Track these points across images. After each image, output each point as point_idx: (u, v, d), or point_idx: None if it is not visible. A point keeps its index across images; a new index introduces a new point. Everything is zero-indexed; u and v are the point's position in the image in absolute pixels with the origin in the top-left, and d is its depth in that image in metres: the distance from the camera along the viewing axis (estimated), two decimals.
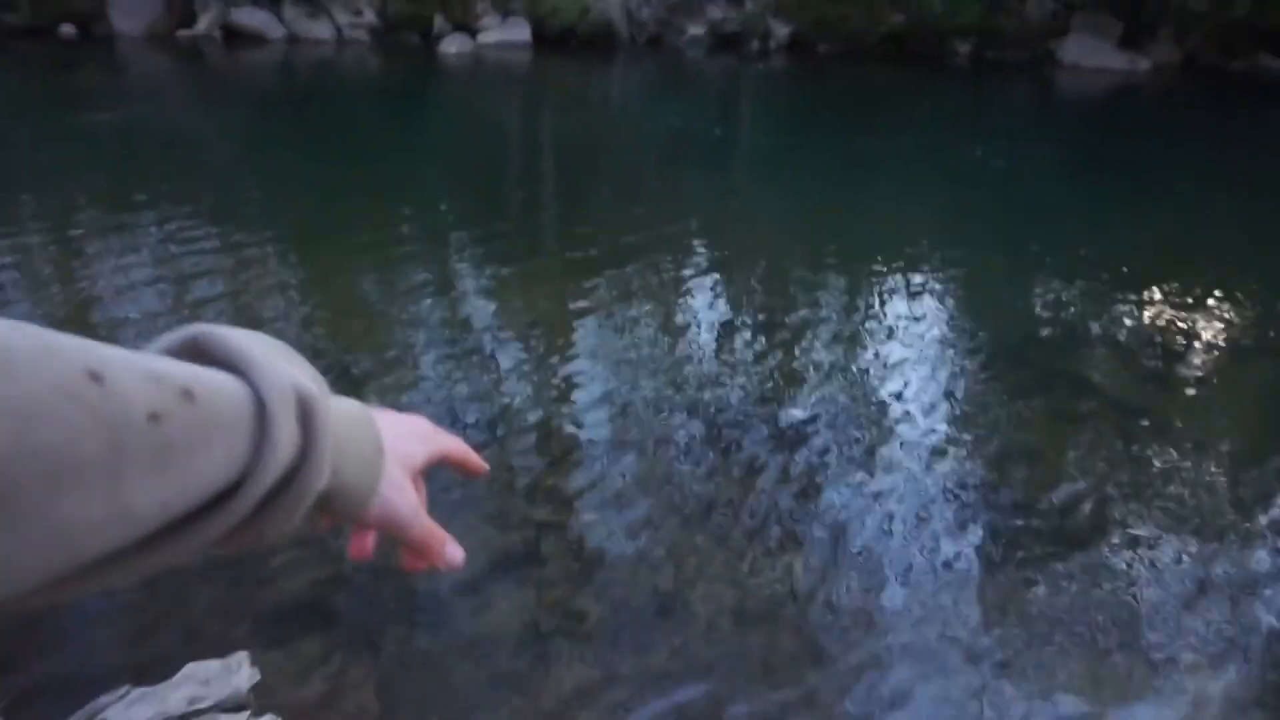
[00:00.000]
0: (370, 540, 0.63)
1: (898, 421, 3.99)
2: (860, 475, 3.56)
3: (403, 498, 0.58)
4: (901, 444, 3.79)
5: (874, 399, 4.23)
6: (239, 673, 1.58)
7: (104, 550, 0.38)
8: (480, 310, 5.37)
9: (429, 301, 5.40)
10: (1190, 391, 4.50)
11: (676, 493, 3.43)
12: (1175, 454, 3.75)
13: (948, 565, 3.06)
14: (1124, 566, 3.07)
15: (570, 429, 3.93)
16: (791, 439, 3.82)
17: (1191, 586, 2.98)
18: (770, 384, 4.38)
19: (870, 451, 3.73)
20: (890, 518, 3.30)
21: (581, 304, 5.36)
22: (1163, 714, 2.51)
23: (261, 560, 2.91)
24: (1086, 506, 3.39)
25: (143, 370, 0.40)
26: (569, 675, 2.55)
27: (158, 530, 0.40)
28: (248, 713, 1.56)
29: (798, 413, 4.05)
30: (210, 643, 1.87)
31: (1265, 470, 3.66)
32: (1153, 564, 3.08)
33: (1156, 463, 3.69)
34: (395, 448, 0.58)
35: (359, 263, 6.00)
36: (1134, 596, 2.94)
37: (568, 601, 2.85)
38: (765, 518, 3.27)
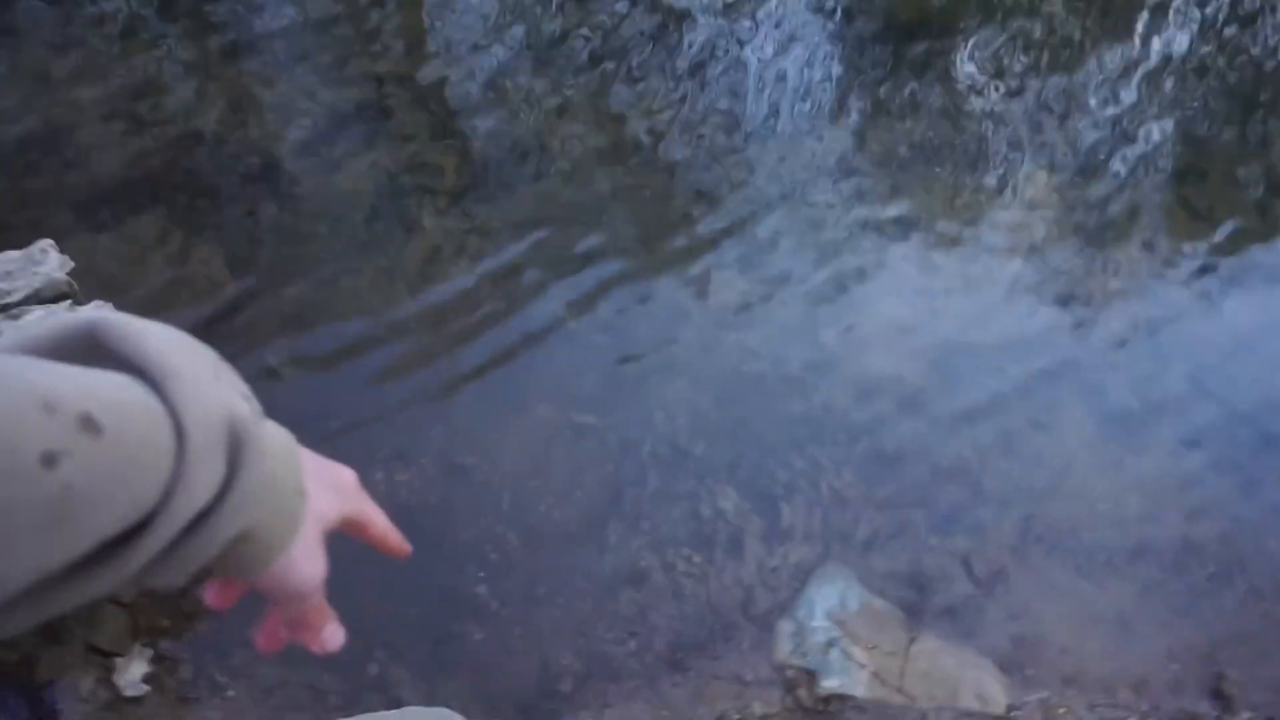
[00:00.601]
0: (234, 595, 0.50)
1: None
2: (721, 18, 3.29)
3: (311, 566, 0.47)
4: None
5: None
6: (46, 260, 1.43)
7: None
8: None
9: None
10: None
11: (533, 33, 3.11)
12: None
13: (809, 105, 2.98)
14: (980, 78, 3.06)
15: None
16: None
17: (1046, 98, 3.02)
18: None
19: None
20: (754, 35, 3.12)
21: None
22: (1002, 213, 2.67)
23: (66, 138, 2.58)
24: (947, 13, 3.27)
25: (27, 389, 0.31)
26: (431, 230, 2.49)
27: (20, 594, 0.32)
28: (69, 301, 1.44)
29: None
30: (22, 235, 1.68)
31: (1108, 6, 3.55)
32: (1009, 81, 3.08)
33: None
34: (315, 500, 0.47)
35: None
36: (988, 107, 2.97)
37: (423, 155, 2.70)
38: (626, 58, 3.05)
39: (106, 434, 0.33)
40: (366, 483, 1.73)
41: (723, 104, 2.91)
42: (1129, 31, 3.27)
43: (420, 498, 1.98)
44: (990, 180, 2.78)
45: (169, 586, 0.40)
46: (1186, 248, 2.68)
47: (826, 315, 2.39)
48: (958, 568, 1.92)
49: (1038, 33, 3.22)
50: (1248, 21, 3.35)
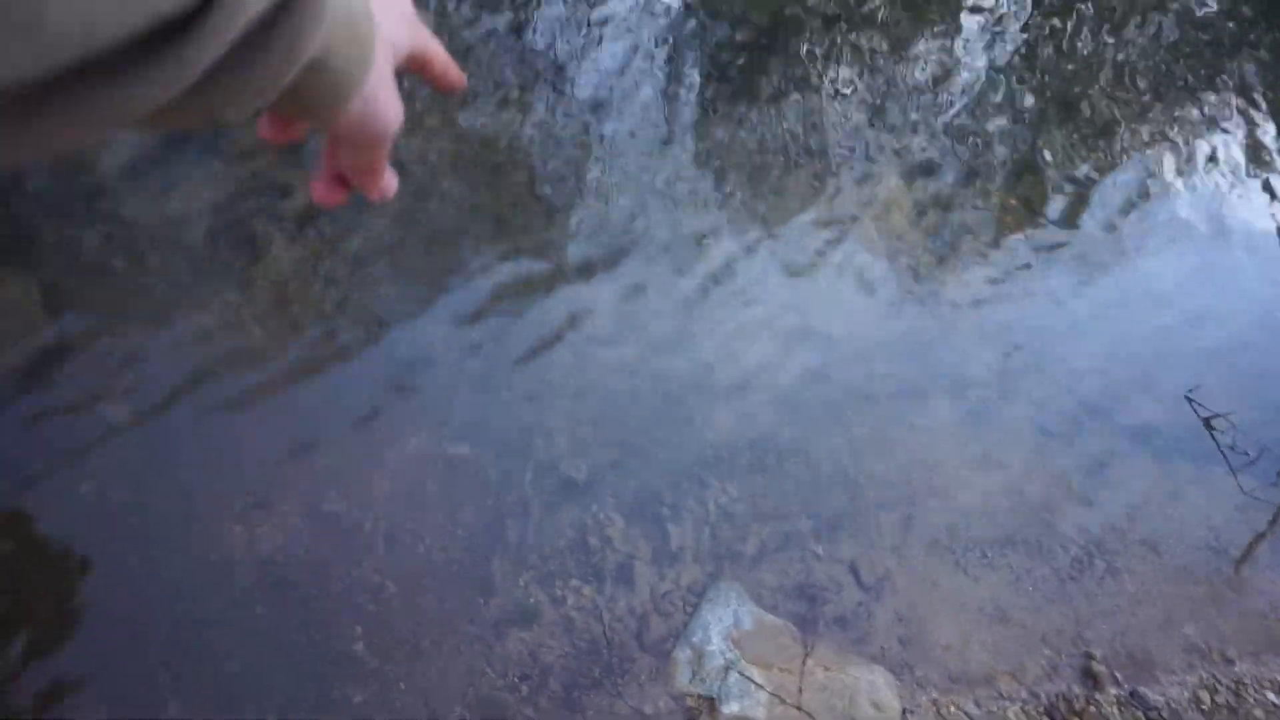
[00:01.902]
0: (291, 129, 0.45)
1: None
2: (573, 8, 3.23)
3: (390, 103, 0.42)
4: None
5: None
6: None
7: None
8: None
9: None
10: None
11: None
12: None
13: (664, 112, 2.96)
14: (830, 87, 3.13)
15: None
16: None
17: (897, 102, 3.12)
18: None
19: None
20: (608, 42, 3.08)
21: None
22: (857, 214, 2.74)
23: None
24: (796, 23, 3.34)
25: None
26: (279, 255, 2.32)
27: (71, 70, 0.25)
28: None
29: None
30: None
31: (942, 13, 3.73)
32: (858, 86, 3.16)
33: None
34: (385, 28, 0.41)
35: None
36: (840, 116, 3.04)
37: (267, 173, 2.51)
38: (476, 67, 2.94)
39: None
40: (223, 539, 1.57)
41: (577, 111, 2.86)
42: (964, 36, 3.43)
43: (285, 551, 1.83)
44: (844, 182, 2.85)
45: (239, 115, 0.33)
46: (1025, 242, 2.83)
47: (698, 326, 2.37)
48: (845, 575, 1.95)
49: (881, 40, 3.33)
50: (1060, 27, 3.58)
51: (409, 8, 0.47)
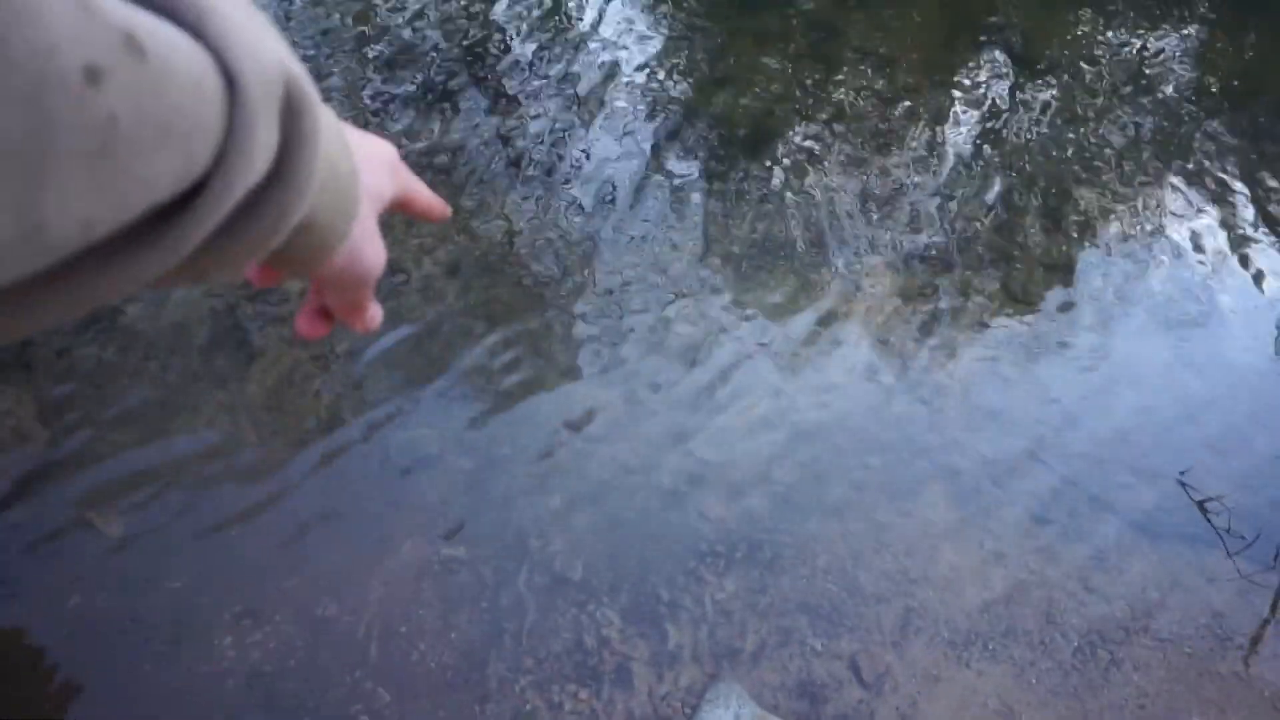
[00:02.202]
0: (326, 319, 0.49)
1: (596, 53, 3.74)
2: (562, 103, 3.35)
3: (374, 251, 0.45)
4: (600, 71, 3.58)
5: (572, 31, 3.91)
6: None
7: None
8: None
9: None
10: (882, 9, 4.58)
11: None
12: (865, 73, 3.86)
13: (655, 209, 3.05)
14: (812, 178, 3.24)
15: None
16: (489, 65, 3.48)
17: (875, 192, 3.22)
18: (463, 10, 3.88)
19: (572, 82, 3.49)
20: (597, 144, 3.18)
21: None
22: (846, 306, 2.79)
23: None
24: (780, 119, 3.46)
25: None
26: (276, 359, 2.35)
27: (71, 261, 0.27)
28: None
29: (496, 35, 3.66)
30: None
31: (940, 81, 3.89)
32: (839, 180, 3.27)
33: (845, 83, 3.79)
34: (367, 179, 0.44)
35: None
36: (827, 210, 3.13)
37: None
38: (469, 166, 3.04)
39: (151, 61, 0.26)
40: (213, 649, 1.56)
41: (570, 212, 2.94)
42: (947, 129, 3.56)
43: (277, 660, 1.80)
44: (831, 275, 2.91)
45: (229, 278, 0.35)
46: (1011, 329, 2.88)
47: (690, 420, 2.39)
48: (845, 671, 1.92)
49: (868, 137, 3.45)
50: (1038, 120, 3.72)
51: (392, 155, 0.50)
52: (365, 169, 0.44)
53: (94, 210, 0.26)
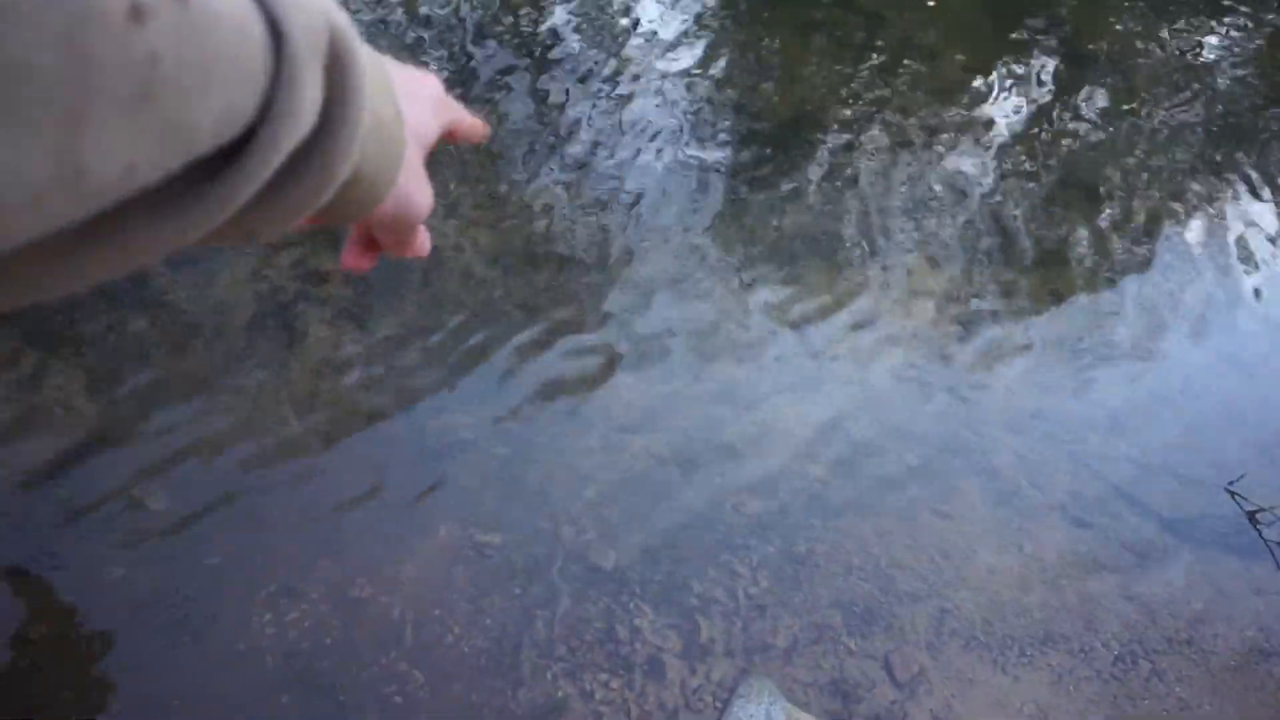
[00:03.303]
0: (372, 251, 0.49)
1: (638, 44, 3.72)
2: (605, 93, 3.34)
3: (421, 193, 0.44)
4: (647, 67, 3.57)
5: (617, 30, 3.89)
6: None
7: (35, 231, 0.24)
8: None
9: None
10: (928, 3, 4.51)
11: None
12: (910, 65, 3.80)
13: (695, 202, 3.04)
14: (855, 172, 3.20)
15: None
16: (537, 57, 3.48)
17: (919, 188, 3.17)
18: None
19: (616, 74, 3.48)
20: (640, 135, 3.17)
21: None
22: (887, 302, 2.76)
23: None
24: (823, 111, 3.42)
25: None
26: (318, 341, 2.37)
27: (113, 210, 0.26)
28: None
29: (545, 28, 3.66)
30: None
31: (987, 83, 3.83)
32: (882, 174, 3.23)
33: (890, 69, 3.74)
34: (412, 120, 0.43)
35: None
36: (869, 205, 3.09)
37: (307, 261, 2.58)
38: (511, 156, 3.04)
39: (193, 5, 0.26)
40: (250, 626, 1.58)
41: (610, 202, 2.93)
42: (988, 126, 3.50)
43: (313, 637, 1.82)
44: (872, 270, 2.88)
45: (277, 234, 0.34)
46: (1055, 329, 2.83)
47: (727, 414, 2.38)
48: (878, 671, 1.90)
49: (905, 131, 3.40)
50: (1083, 114, 3.64)
51: (436, 90, 0.49)
52: (410, 110, 0.43)
53: (135, 153, 0.26)
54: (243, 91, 0.28)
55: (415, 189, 0.44)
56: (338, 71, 0.32)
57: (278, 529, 1.98)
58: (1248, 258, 3.17)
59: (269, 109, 0.29)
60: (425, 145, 0.47)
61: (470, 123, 0.54)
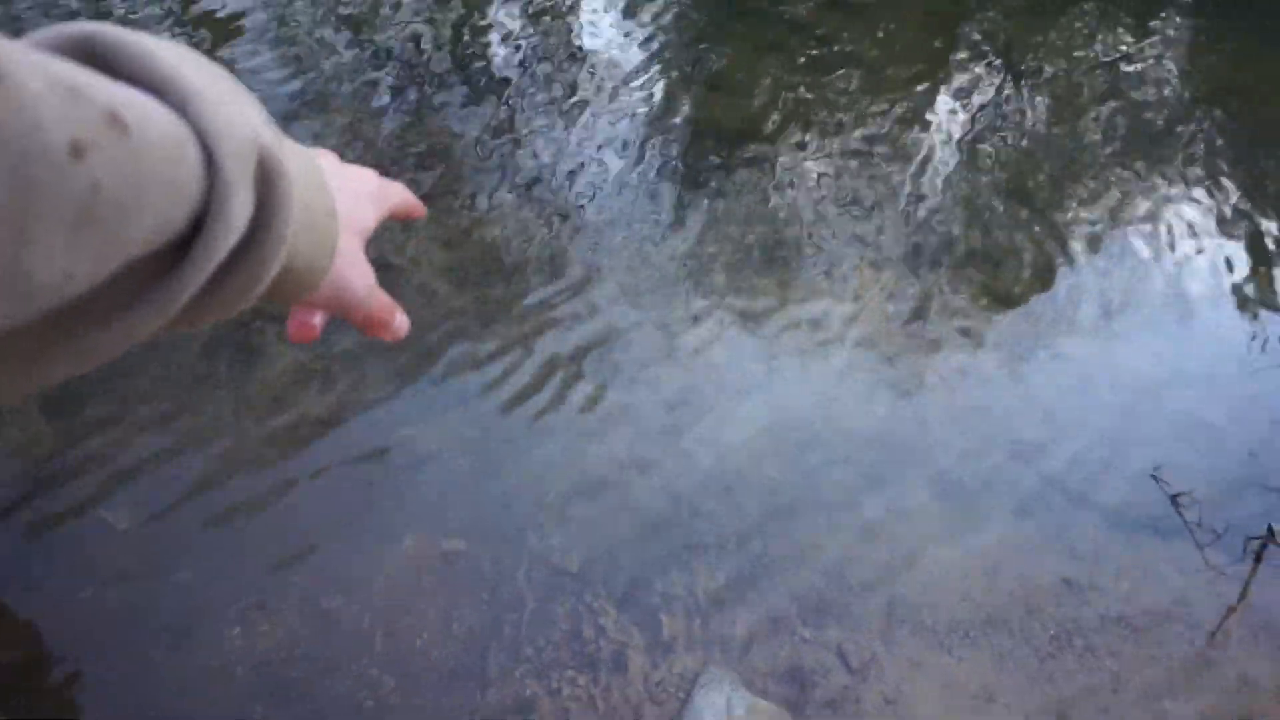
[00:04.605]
0: (317, 320, 0.53)
1: (590, 58, 3.81)
2: (558, 109, 3.42)
3: (357, 274, 0.48)
4: (601, 82, 3.65)
5: (571, 46, 3.97)
6: None
7: None
8: None
9: None
10: (875, 17, 4.66)
11: (370, 145, 3.11)
12: (855, 79, 3.94)
13: (648, 212, 3.12)
14: (802, 181, 3.32)
15: None
16: (486, 86, 3.54)
17: (863, 196, 3.30)
18: (462, 37, 3.94)
19: (569, 92, 3.56)
20: (591, 149, 3.25)
21: None
22: (836, 307, 2.87)
23: None
24: (771, 124, 3.54)
25: (50, 72, 0.27)
26: (275, 357, 2.40)
27: (50, 314, 0.30)
28: None
29: (496, 59, 3.72)
30: None
31: (930, 87, 3.98)
32: (828, 183, 3.35)
33: (835, 85, 3.87)
34: (348, 213, 0.48)
35: None
36: (816, 213, 3.21)
37: None
38: (464, 168, 3.10)
39: (133, 135, 0.29)
40: (222, 640, 1.62)
41: (563, 215, 3.00)
42: (924, 129, 3.65)
43: (284, 650, 1.86)
44: (818, 276, 2.99)
45: (217, 320, 0.38)
46: (995, 329, 2.97)
47: (684, 418, 2.46)
48: (833, 659, 2.00)
49: (854, 137, 3.53)
50: (1021, 119, 3.81)
51: (373, 184, 0.54)
52: (346, 204, 0.47)
53: (74, 264, 0.29)
54: (176, 208, 0.32)
55: (352, 274, 0.48)
56: (266, 184, 0.35)
57: (245, 544, 2.02)
58: (1174, 256, 3.35)
59: (203, 222, 0.33)
60: (362, 233, 0.50)
61: (409, 205, 0.59)
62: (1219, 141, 3.87)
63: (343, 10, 3.81)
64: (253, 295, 0.38)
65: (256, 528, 2.03)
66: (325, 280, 0.45)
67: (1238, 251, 3.36)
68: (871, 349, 2.79)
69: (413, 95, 3.39)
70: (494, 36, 3.80)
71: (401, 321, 0.54)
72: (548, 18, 4.01)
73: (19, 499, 2.00)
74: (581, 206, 3.04)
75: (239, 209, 0.34)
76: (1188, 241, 3.40)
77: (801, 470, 2.38)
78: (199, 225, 0.33)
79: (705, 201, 3.16)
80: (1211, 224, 3.47)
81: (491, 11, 4.00)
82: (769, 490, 2.32)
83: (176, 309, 0.34)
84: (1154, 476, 2.53)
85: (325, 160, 0.49)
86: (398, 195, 0.58)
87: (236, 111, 0.34)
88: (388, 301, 0.53)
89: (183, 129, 0.32)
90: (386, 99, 3.37)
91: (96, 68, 0.31)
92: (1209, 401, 2.82)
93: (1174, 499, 2.48)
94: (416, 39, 3.69)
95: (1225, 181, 3.67)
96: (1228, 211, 3.52)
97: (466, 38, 3.74)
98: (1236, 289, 3.23)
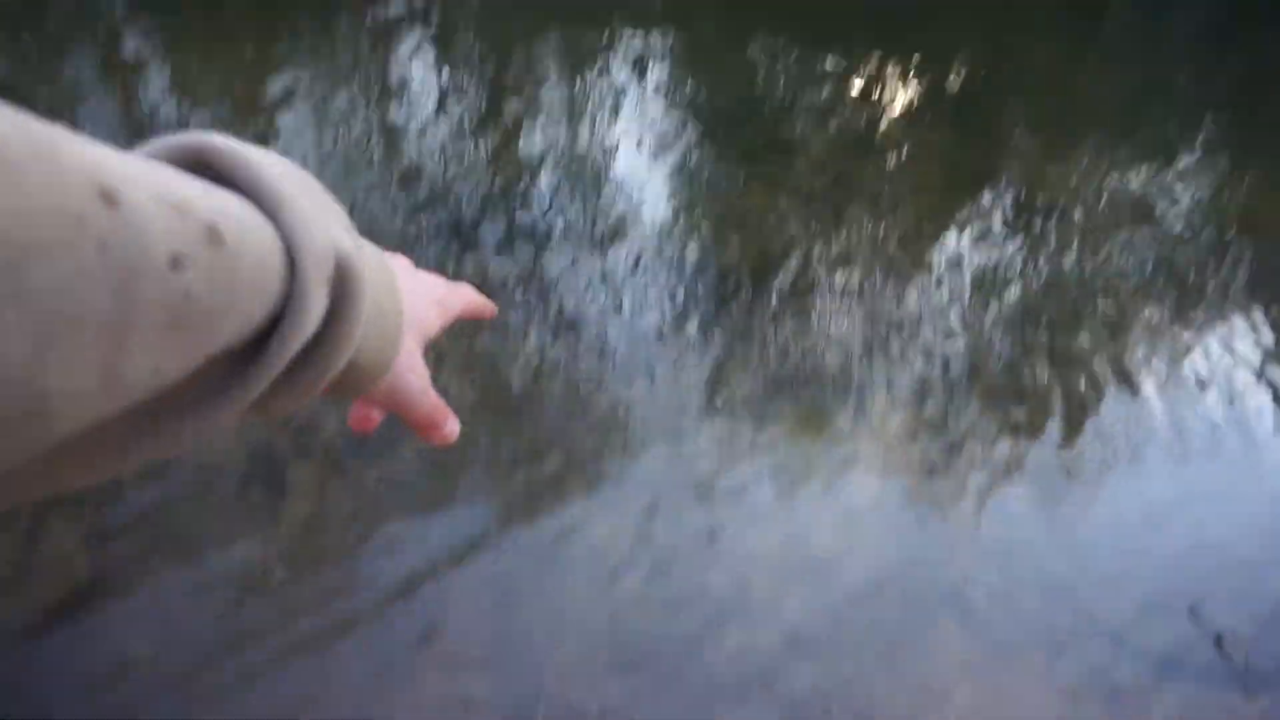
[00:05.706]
0: (375, 416, 0.57)
1: (613, 195, 3.99)
2: (587, 248, 3.56)
3: (415, 376, 0.52)
4: (616, 214, 3.81)
5: (593, 171, 4.18)
6: None
7: (73, 428, 0.29)
8: None
9: None
10: (889, 156, 4.86)
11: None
12: (873, 217, 4.08)
13: (670, 347, 3.20)
14: (827, 316, 3.39)
15: None
16: (521, 220, 3.71)
17: (886, 330, 3.36)
18: (485, 154, 4.17)
19: (595, 230, 3.71)
20: (615, 287, 3.36)
21: None
22: (857, 440, 2.88)
23: None
24: (793, 263, 3.64)
25: (159, 190, 0.30)
26: (308, 494, 2.45)
27: (137, 405, 0.31)
28: None
29: (530, 193, 3.92)
30: None
31: (947, 223, 4.10)
32: (848, 315, 3.42)
33: (853, 220, 4.00)
34: (413, 315, 0.52)
35: None
36: (839, 348, 3.26)
37: (298, 414, 2.69)
38: (498, 305, 3.21)
39: (228, 248, 0.32)
40: None
41: (589, 349, 3.08)
42: (951, 268, 3.73)
43: None
44: (844, 408, 3.01)
45: (281, 415, 0.41)
46: (1020, 462, 2.95)
47: (707, 558, 2.45)
48: None
49: (874, 273, 3.62)
50: (1044, 253, 3.88)
51: (440, 290, 0.58)
52: (412, 307, 0.51)
53: (163, 361, 0.31)
54: (259, 308, 0.35)
55: (409, 374, 0.51)
56: (341, 284, 0.39)
57: (267, 680, 2.01)
58: (1208, 388, 3.34)
59: (282, 321, 0.36)
60: (426, 335, 0.54)
61: (477, 306, 0.64)
62: (1249, 273, 3.91)
63: (397, 167, 4.05)
64: (321, 385, 0.40)
65: (277, 665, 2.03)
66: (386, 378, 0.48)
67: (1270, 387, 3.34)
68: (896, 483, 2.78)
69: (447, 231, 3.56)
70: (522, 185, 4.00)
71: (453, 426, 0.57)
72: (574, 165, 4.23)
73: (49, 627, 2.03)
74: (603, 343, 3.12)
75: (314, 307, 0.37)
76: (1223, 374, 3.40)
77: (825, 608, 2.34)
78: (276, 320, 0.36)
79: (727, 337, 3.23)
80: (1245, 356, 3.47)
81: (525, 157, 4.23)
82: (793, 630, 2.28)
83: (252, 399, 0.37)
84: (1194, 615, 2.45)
85: (398, 264, 0.53)
86: (465, 299, 0.62)
87: (321, 222, 0.38)
88: (441, 405, 0.55)
89: (271, 235, 0.35)
90: (422, 232, 3.53)
91: (206, 174, 0.36)
92: (1250, 538, 2.75)
93: (1218, 640, 2.39)
94: (452, 177, 3.90)
95: (1259, 313, 3.69)
96: (1260, 344, 3.52)
97: (499, 185, 3.95)
98: (1268, 424, 3.20)
